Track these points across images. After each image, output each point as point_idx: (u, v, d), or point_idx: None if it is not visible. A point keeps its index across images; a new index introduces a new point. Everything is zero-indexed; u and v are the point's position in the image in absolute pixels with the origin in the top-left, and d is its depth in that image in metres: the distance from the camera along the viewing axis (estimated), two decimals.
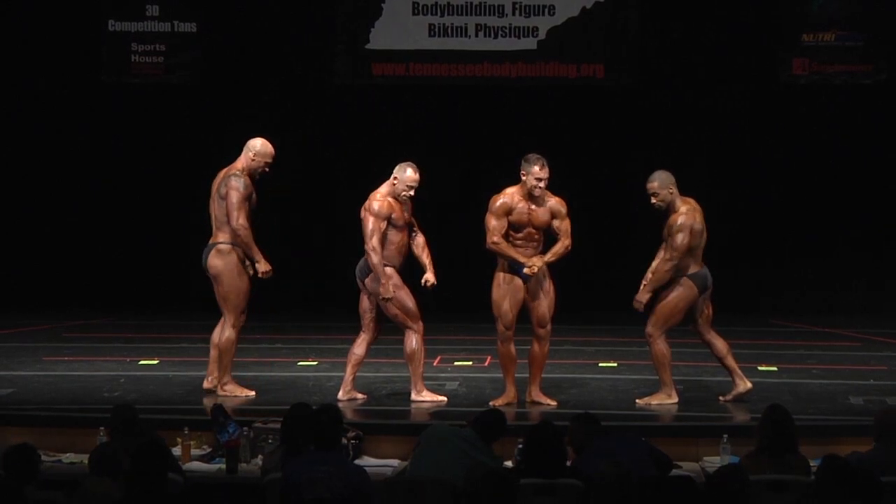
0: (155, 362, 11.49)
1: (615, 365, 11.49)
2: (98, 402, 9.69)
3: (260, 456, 8.16)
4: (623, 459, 6.63)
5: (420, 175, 9.83)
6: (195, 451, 8.34)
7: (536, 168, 9.61)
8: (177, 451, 8.19)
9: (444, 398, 9.92)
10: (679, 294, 9.69)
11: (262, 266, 9.99)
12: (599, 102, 15.19)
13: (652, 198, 9.65)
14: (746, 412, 9.36)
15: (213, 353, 10.16)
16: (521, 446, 7.63)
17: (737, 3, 15.15)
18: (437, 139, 14.97)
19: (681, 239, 9.52)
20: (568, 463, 7.10)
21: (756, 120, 15.15)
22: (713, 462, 8.19)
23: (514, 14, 15.04)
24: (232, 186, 9.92)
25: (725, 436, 8.28)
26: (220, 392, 10.01)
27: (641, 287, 9.72)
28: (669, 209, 9.64)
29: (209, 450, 8.51)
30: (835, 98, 15.03)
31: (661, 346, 9.71)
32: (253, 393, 10.08)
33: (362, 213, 9.75)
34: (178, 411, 9.22)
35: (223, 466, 8.13)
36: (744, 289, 15.01)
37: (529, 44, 15.07)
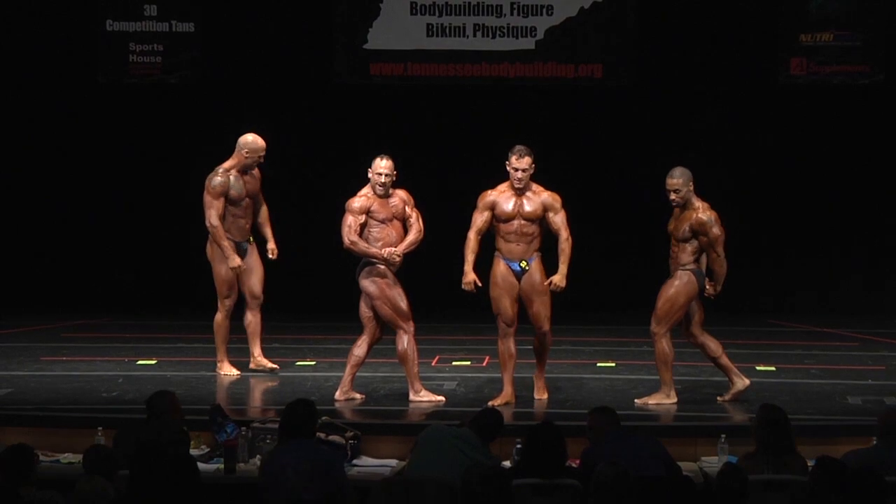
0: (153, 362, 11.47)
1: (613, 365, 11.49)
2: (96, 402, 9.74)
3: (258, 456, 8.17)
4: (634, 454, 6.81)
5: (392, 162, 9.90)
6: (193, 452, 8.24)
7: (513, 158, 9.74)
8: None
9: (443, 398, 9.92)
10: (679, 289, 9.68)
11: (232, 262, 10.79)
12: (597, 102, 15.16)
13: (672, 194, 9.66)
14: (744, 412, 9.37)
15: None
16: (519, 446, 7.63)
17: (735, 3, 15.14)
18: (435, 139, 14.96)
19: (717, 231, 9.55)
20: (569, 463, 7.12)
21: (754, 120, 15.12)
22: (711, 462, 8.20)
23: (512, 14, 15.00)
24: (206, 187, 10.80)
25: (723, 436, 8.30)
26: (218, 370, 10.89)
27: (709, 286, 9.72)
28: (686, 206, 9.66)
29: (207, 450, 8.52)
30: (833, 98, 15.01)
31: (664, 344, 9.70)
32: (238, 372, 10.92)
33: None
34: None
35: (221, 466, 8.14)
36: (742, 289, 14.94)
37: (528, 44, 15.02)
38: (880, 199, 15.16)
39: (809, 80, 14.98)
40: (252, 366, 11.07)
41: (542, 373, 10.06)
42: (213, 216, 10.73)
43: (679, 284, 9.69)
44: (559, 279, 9.72)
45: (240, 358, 11.21)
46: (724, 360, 9.86)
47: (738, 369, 9.90)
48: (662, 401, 9.73)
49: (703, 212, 9.60)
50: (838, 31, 14.85)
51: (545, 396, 9.99)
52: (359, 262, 9.91)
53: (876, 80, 14.91)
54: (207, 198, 10.77)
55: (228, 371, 10.92)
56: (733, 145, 15.13)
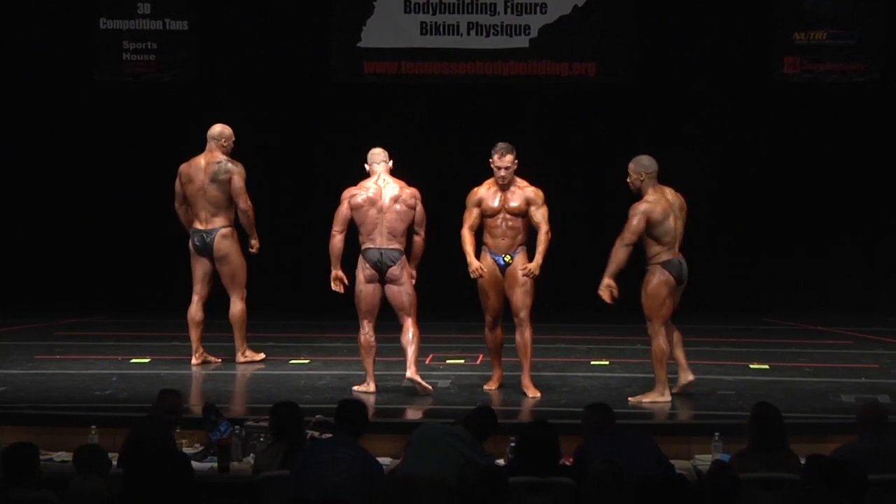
0: (146, 361, 11.44)
1: (607, 363, 11.46)
2: (89, 400, 9.74)
3: (252, 454, 8.16)
4: (628, 452, 6.79)
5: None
6: (187, 450, 8.29)
7: (496, 157, 10.01)
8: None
9: (430, 387, 10.12)
10: (657, 283, 9.78)
11: (257, 243, 11.33)
12: (592, 101, 15.14)
13: (627, 176, 9.86)
14: (738, 410, 9.35)
15: (195, 332, 11.22)
16: (513, 444, 7.61)
17: (729, 1, 15.12)
18: (429, 138, 14.93)
19: (634, 222, 9.68)
20: (563, 461, 7.11)
21: (748, 118, 15.10)
22: (705, 460, 8.17)
23: (506, 12, 14.97)
24: (235, 172, 11.09)
25: (717, 434, 8.30)
26: (240, 360, 11.23)
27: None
28: (640, 194, 9.80)
29: (201, 448, 8.50)
30: (827, 97, 14.99)
31: (660, 342, 9.76)
32: (262, 355, 11.41)
33: (416, 202, 10.21)
34: None
35: (215, 465, 8.12)
36: (736, 287, 14.98)
37: (522, 42, 15.00)
38: (876, 198, 15.13)
39: (804, 78, 14.95)
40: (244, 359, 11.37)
41: (527, 373, 10.18)
42: (248, 199, 11.15)
43: (654, 280, 9.78)
44: (533, 266, 9.97)
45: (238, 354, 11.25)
46: (678, 352, 9.91)
47: (687, 364, 9.93)
48: (657, 399, 9.76)
49: (642, 203, 9.75)
50: (832, 29, 14.82)
51: (539, 394, 10.08)
52: (385, 251, 10.15)
53: (870, 79, 14.87)
54: (242, 183, 11.10)
55: (253, 357, 11.33)
56: (727, 144, 15.10)
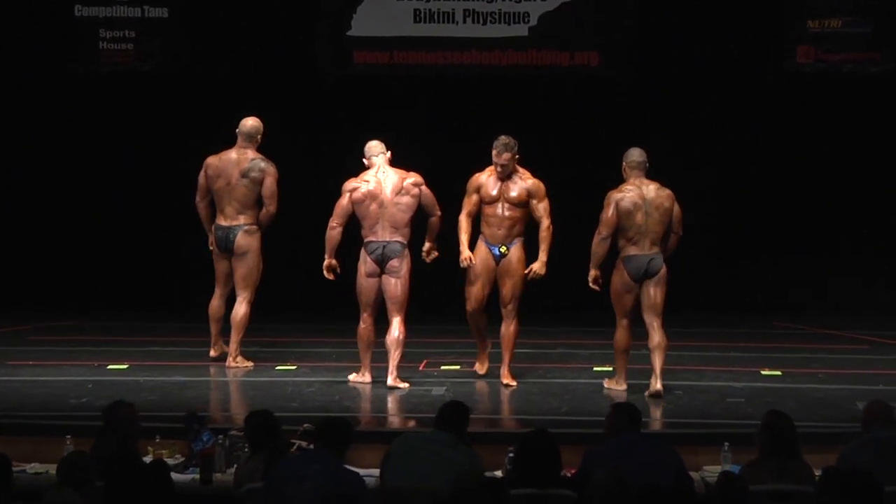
0: (124, 367, 11.26)
1: (611, 369, 11.19)
2: (65, 409, 9.57)
3: (235, 465, 7.95)
4: (642, 460, 6.71)
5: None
6: (168, 461, 7.98)
7: (494, 153, 10.17)
8: (148, 460, 7.85)
9: (407, 385, 10.33)
10: (613, 280, 10.02)
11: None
12: (594, 91, 14.99)
13: None
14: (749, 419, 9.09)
15: (216, 326, 11.26)
16: (511, 455, 7.43)
17: None
18: (422, 130, 14.77)
19: (608, 213, 9.92)
20: (564, 472, 6.91)
21: (759, 110, 14.97)
22: (714, 471, 7.96)
23: None
24: (269, 173, 11.10)
25: (726, 444, 8.18)
26: (231, 364, 11.10)
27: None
28: None
29: (182, 459, 8.36)
30: (841, 88, 14.81)
31: (617, 334, 10.10)
32: (252, 363, 11.26)
33: (419, 190, 10.31)
34: (150, 418, 8.85)
35: (197, 476, 7.99)
36: (745, 289, 14.80)
37: (520, 30, 14.84)
38: (891, 194, 14.90)
39: (817, 68, 14.83)
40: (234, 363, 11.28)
41: (507, 364, 10.42)
42: (277, 203, 11.19)
43: (613, 277, 10.04)
44: (539, 267, 10.15)
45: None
46: (654, 358, 9.96)
47: (659, 373, 9.94)
48: (613, 386, 10.13)
49: (614, 192, 9.99)
50: (847, 17, 14.71)
51: (515, 383, 10.36)
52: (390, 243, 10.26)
53: (886, 69, 14.75)
54: (275, 186, 11.12)
55: (243, 363, 11.21)
56: (737, 135, 14.84)
